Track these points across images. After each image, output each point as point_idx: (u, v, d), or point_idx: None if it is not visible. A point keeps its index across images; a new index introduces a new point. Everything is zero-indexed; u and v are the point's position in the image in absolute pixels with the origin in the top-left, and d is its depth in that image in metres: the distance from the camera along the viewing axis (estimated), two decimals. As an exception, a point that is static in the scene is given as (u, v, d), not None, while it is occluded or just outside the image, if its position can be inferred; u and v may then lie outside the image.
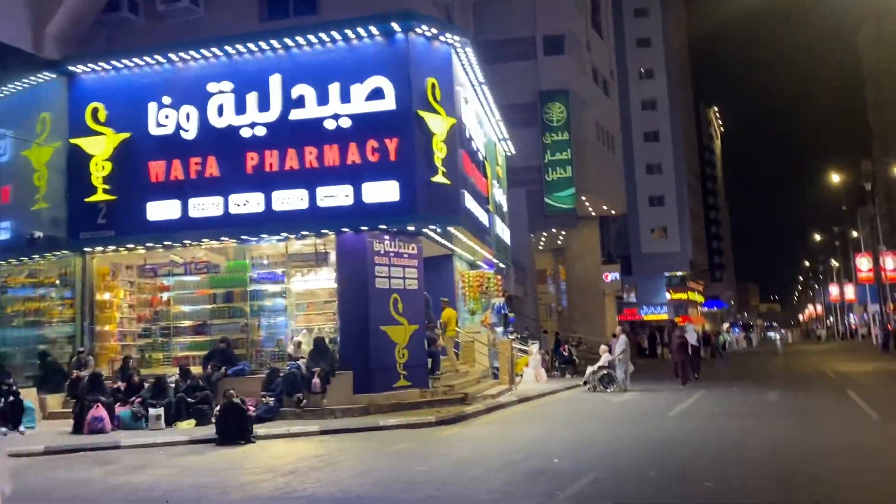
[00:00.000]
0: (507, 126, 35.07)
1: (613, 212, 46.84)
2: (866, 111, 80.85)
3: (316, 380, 14.46)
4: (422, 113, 15.17)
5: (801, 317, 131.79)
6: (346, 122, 15.15)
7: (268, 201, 15.26)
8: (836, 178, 56.05)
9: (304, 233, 15.36)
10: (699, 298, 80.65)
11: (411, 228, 15.62)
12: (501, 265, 24.20)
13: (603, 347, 21.88)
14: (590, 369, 21.08)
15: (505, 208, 23.95)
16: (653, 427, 12.88)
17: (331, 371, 14.66)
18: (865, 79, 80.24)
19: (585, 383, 20.91)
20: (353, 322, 15.17)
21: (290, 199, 15.15)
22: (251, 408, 14.28)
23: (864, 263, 53.35)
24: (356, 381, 14.91)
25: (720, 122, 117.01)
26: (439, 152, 15.28)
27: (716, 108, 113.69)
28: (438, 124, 15.36)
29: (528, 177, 37.72)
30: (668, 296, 69.74)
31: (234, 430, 12.57)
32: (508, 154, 25.20)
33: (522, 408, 16.84)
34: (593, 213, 44.20)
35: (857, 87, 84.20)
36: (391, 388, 15.26)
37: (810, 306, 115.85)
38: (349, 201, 14.95)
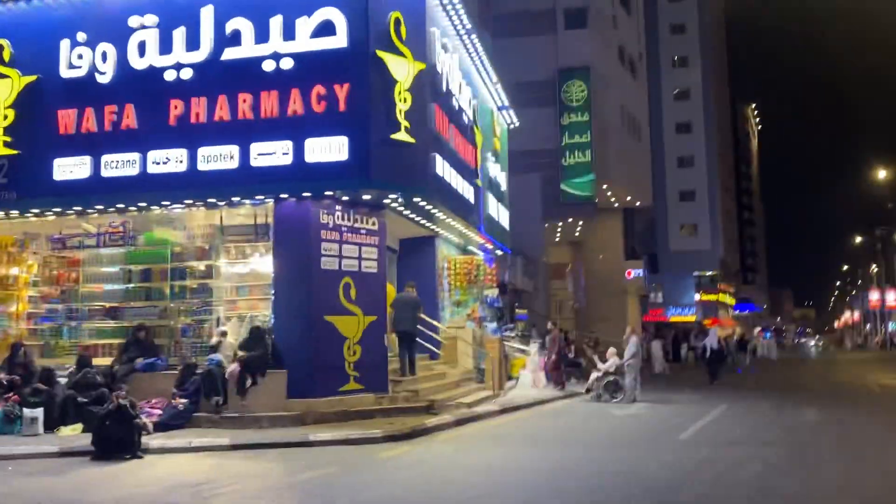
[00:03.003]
0: (522, 105, 32.08)
1: (638, 203, 43.41)
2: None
3: (234, 366, 11.66)
4: (381, 54, 12.28)
5: (835, 323, 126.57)
6: (287, 63, 12.33)
7: (192, 159, 12.49)
8: (881, 174, 52.12)
9: (234, 198, 12.55)
10: (730, 301, 76.72)
11: (367, 197, 12.76)
12: (499, 252, 21.22)
13: (611, 350, 18.85)
14: (594, 375, 18.08)
15: (503, 187, 20.95)
16: (654, 456, 9.87)
17: (258, 366, 11.86)
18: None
19: (588, 391, 17.95)
20: (291, 310, 12.37)
21: (217, 157, 12.36)
22: (157, 411, 11.61)
23: (910, 267, 49.47)
24: (291, 382, 12.09)
25: (757, 121, 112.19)
26: (402, 104, 12.38)
27: (753, 106, 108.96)
28: (402, 69, 12.45)
29: (543, 161, 34.70)
30: (696, 297, 66.03)
31: (117, 441, 9.89)
32: (511, 125, 22.12)
33: (503, 421, 13.91)
34: (616, 204, 40.89)
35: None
36: (337, 393, 12.45)
37: (847, 312, 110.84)
38: (288, 160, 12.12)
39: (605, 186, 36.43)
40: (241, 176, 12.26)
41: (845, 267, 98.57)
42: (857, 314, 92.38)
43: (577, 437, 11.92)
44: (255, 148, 12.23)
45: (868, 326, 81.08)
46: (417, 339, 15.15)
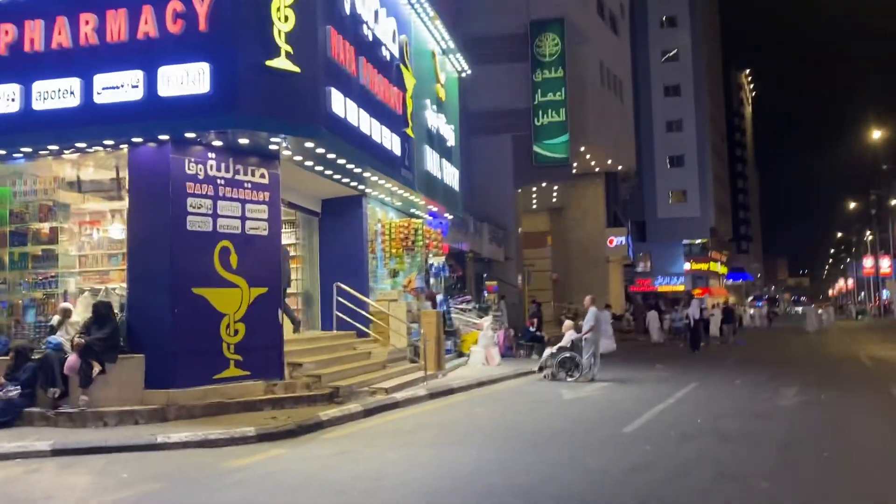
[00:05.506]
0: (492, 61, 29.64)
1: (620, 167, 41.06)
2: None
3: (73, 357, 9.44)
4: (252, -40, 9.92)
5: (830, 292, 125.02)
6: (137, -25, 9.96)
7: (26, 96, 10.14)
8: (876, 134, 49.86)
9: (78, 144, 10.21)
10: (722, 270, 74.52)
11: (244, 142, 10.41)
12: (448, 216, 18.93)
13: (568, 323, 16.70)
14: (547, 351, 15.98)
15: (450, 143, 18.56)
16: (584, 457, 7.70)
17: (104, 350, 9.63)
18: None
19: (541, 369, 15.85)
20: (150, 281, 10.10)
21: (55, 93, 10.01)
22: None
23: (905, 232, 47.44)
24: (150, 369, 9.89)
25: (751, 87, 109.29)
26: (282, 23, 10.01)
27: (747, 72, 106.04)
28: (281, -20, 10.08)
29: (514, 121, 32.21)
30: (686, 266, 63.96)
31: None
32: (463, 73, 19.66)
33: (426, 408, 11.72)
34: (596, 169, 38.54)
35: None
36: (212, 381, 10.24)
37: (841, 280, 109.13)
38: (138, 94, 9.77)
39: (582, 149, 34.01)
40: (84, 115, 9.91)
41: (840, 234, 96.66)
42: (850, 282, 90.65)
43: (504, 430, 9.74)
44: (100, 80, 9.88)
45: (862, 294, 79.27)
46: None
